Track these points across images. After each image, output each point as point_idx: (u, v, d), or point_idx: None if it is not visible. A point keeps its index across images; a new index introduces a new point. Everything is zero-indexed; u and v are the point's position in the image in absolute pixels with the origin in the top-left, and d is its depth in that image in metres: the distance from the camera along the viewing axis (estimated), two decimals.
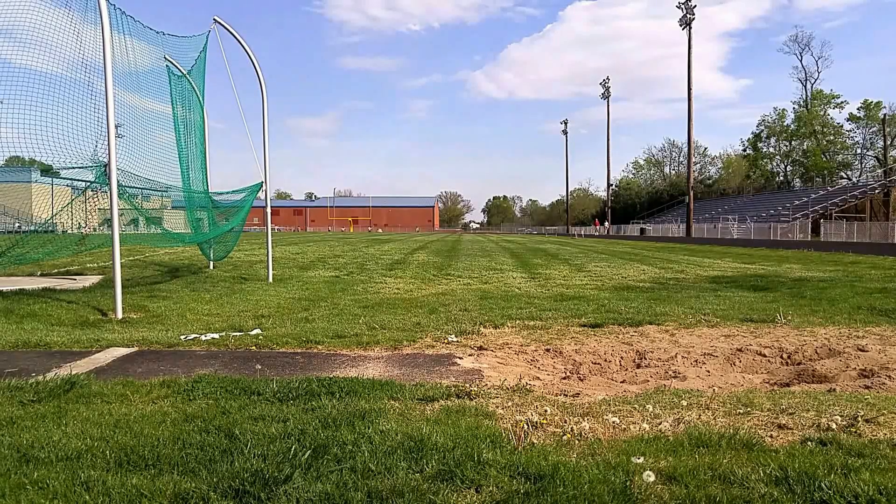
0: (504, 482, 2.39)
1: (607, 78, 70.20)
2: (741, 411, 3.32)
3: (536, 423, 3.04)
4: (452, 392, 3.67)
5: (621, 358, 5.12)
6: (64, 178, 8.89)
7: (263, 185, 11.30)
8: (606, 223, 69.00)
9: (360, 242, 35.78)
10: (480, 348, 5.25)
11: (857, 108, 71.09)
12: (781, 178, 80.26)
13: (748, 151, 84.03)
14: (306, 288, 9.83)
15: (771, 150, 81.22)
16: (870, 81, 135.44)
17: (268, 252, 11.47)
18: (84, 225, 13.68)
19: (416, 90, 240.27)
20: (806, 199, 51.66)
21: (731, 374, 4.64)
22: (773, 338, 5.71)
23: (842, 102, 73.15)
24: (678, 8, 47.14)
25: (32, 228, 9.96)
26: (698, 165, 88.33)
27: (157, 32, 8.92)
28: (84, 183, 7.96)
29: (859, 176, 68.53)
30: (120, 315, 6.74)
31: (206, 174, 11.83)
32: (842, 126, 73.11)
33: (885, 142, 66.65)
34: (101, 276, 11.07)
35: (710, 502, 2.23)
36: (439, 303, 8.07)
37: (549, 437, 2.93)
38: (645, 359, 5.04)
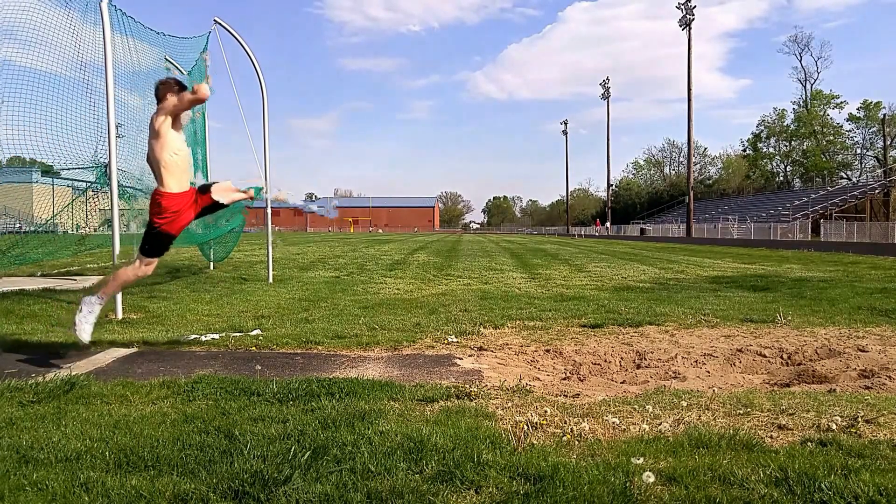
0: (504, 483, 2.39)
1: (607, 78, 70.26)
2: (741, 412, 3.32)
3: (536, 423, 3.04)
4: (452, 393, 3.67)
5: (621, 358, 5.11)
6: (65, 179, 8.89)
7: (264, 185, 11.28)
8: (607, 223, 68.99)
9: (360, 243, 35.78)
10: (480, 349, 5.25)
11: (857, 109, 71.14)
12: (781, 178, 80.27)
13: (748, 151, 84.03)
14: (306, 288, 9.83)
15: (771, 150, 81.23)
16: (870, 81, 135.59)
17: (268, 252, 11.47)
18: (84, 225, 13.69)
19: (417, 91, 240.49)
20: (806, 199, 51.66)
21: (731, 375, 4.64)
22: (773, 338, 5.70)
23: (841, 103, 73.18)
24: (678, 8, 47.18)
25: (33, 229, 9.96)
26: (698, 166, 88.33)
27: (158, 33, 8.92)
28: (85, 183, 7.97)
29: (859, 176, 68.53)
30: (120, 315, 6.74)
31: (206, 175, 11.83)
32: (841, 126, 73.13)
33: (884, 142, 66.67)
34: (101, 277, 11.06)
35: (710, 503, 2.23)
36: (439, 303, 8.07)
37: (549, 437, 2.92)
38: (645, 359, 5.04)
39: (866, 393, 3.85)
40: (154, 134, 4.19)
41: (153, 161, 4.24)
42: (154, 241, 4.30)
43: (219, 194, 4.45)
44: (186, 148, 4.33)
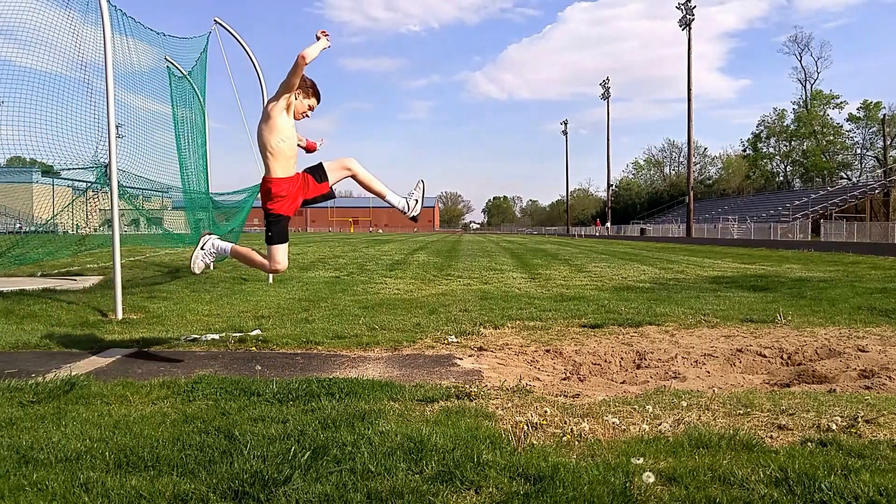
0: (504, 483, 2.39)
1: (607, 78, 70.32)
2: (741, 412, 3.32)
3: (536, 424, 3.03)
4: (452, 393, 3.67)
5: (621, 358, 5.11)
6: (65, 179, 8.90)
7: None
8: (607, 223, 69.00)
9: (360, 243, 35.78)
10: (480, 349, 5.25)
11: (857, 109, 71.21)
12: (781, 178, 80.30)
13: (748, 152, 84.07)
14: (306, 288, 9.83)
15: (771, 150, 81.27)
16: (869, 81, 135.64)
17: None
18: (84, 225, 13.68)
19: (417, 91, 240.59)
20: (806, 199, 51.67)
21: (731, 375, 4.64)
22: (774, 338, 5.70)
23: (841, 103, 73.26)
24: (678, 8, 47.20)
25: (33, 229, 9.96)
26: (698, 166, 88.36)
27: (158, 33, 8.93)
28: (85, 183, 7.97)
29: (859, 176, 68.59)
30: (120, 316, 6.74)
31: (206, 175, 11.84)
32: (841, 126, 73.17)
33: (884, 142, 66.71)
34: (101, 277, 11.07)
35: (710, 503, 2.23)
36: (439, 303, 8.07)
37: (549, 438, 2.92)
38: (645, 359, 5.04)
39: (866, 393, 3.85)
40: (265, 117, 4.17)
41: (261, 146, 4.22)
42: (274, 227, 4.28)
43: (332, 175, 4.40)
44: (294, 136, 4.28)
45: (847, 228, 31.29)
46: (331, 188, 4.45)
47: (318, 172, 4.37)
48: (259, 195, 4.40)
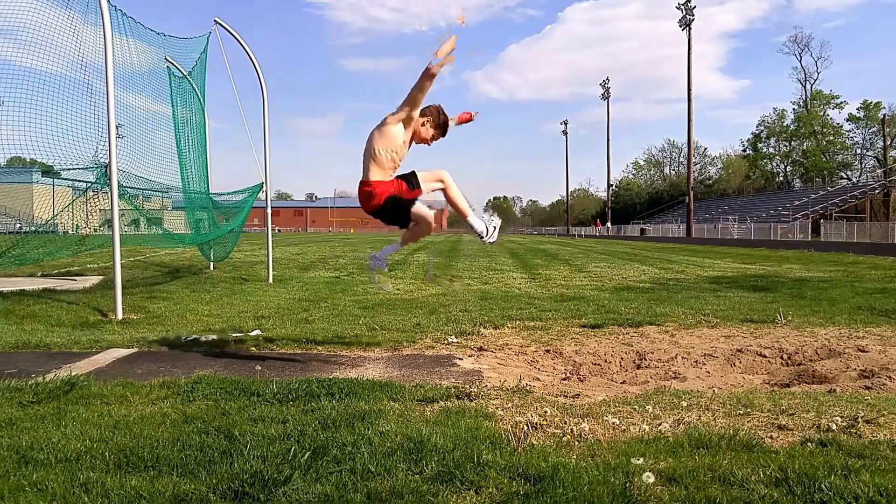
0: (504, 483, 2.39)
1: (607, 78, 70.30)
2: (741, 412, 3.32)
3: (536, 424, 3.03)
4: (452, 393, 3.67)
5: (621, 359, 5.11)
6: (65, 179, 8.91)
7: (264, 185, 11.31)
8: (607, 223, 69.00)
9: (361, 243, 35.79)
10: (480, 349, 5.25)
11: (857, 109, 71.11)
12: (781, 178, 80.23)
13: (748, 152, 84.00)
14: (306, 289, 9.83)
15: (771, 150, 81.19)
16: (869, 81, 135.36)
17: (268, 253, 11.47)
18: (84, 225, 13.69)
19: None
20: (806, 200, 51.62)
21: (731, 375, 4.64)
22: (774, 338, 5.70)
23: (841, 103, 73.16)
24: (678, 9, 47.18)
25: (33, 229, 9.97)
26: (698, 166, 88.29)
27: (158, 34, 8.93)
28: (85, 184, 7.98)
29: (859, 176, 68.55)
30: (120, 316, 6.74)
31: (206, 175, 11.84)
32: (841, 126, 73.09)
33: (884, 142, 66.67)
34: (101, 277, 11.07)
35: (710, 503, 2.23)
36: (439, 303, 8.07)
37: (549, 438, 2.92)
38: (645, 359, 5.04)
39: (866, 393, 3.85)
40: (381, 123, 4.18)
41: (366, 149, 4.22)
42: (400, 205, 4.27)
43: (425, 186, 4.41)
44: (402, 152, 4.26)
45: (847, 228, 31.26)
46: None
47: (411, 180, 4.35)
48: (359, 202, 4.36)
